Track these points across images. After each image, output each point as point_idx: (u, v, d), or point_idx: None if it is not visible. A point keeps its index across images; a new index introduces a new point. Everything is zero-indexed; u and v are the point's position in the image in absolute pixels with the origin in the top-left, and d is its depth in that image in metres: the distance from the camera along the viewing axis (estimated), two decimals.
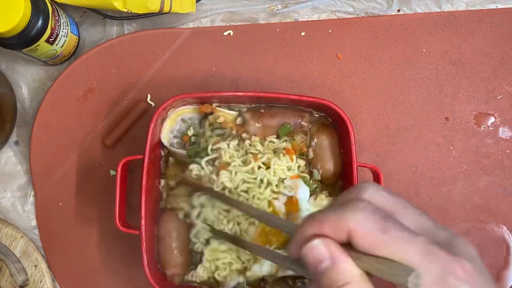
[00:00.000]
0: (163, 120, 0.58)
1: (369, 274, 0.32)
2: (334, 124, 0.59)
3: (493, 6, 0.66)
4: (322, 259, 0.32)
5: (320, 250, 0.32)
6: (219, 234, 0.55)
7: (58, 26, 0.58)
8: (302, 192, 0.55)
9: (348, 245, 0.33)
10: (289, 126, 0.57)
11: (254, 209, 0.52)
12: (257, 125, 0.57)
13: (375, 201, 0.33)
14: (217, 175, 0.55)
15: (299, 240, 0.34)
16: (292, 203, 0.55)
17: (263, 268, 0.54)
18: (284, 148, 0.56)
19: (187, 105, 0.58)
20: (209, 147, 0.56)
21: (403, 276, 0.29)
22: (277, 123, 0.57)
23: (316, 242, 0.33)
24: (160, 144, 0.59)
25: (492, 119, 0.64)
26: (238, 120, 0.57)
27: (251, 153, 0.56)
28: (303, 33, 0.65)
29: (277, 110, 0.58)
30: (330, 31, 0.65)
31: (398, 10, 0.66)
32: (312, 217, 0.35)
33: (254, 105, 0.59)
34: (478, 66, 0.65)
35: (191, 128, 0.58)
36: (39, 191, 0.64)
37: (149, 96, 0.64)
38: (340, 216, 0.32)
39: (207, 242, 0.56)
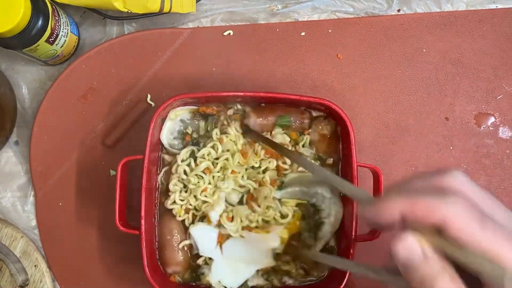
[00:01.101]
0: (163, 120, 0.58)
1: (455, 266, 0.32)
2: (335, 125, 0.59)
3: (493, 6, 0.66)
4: (414, 254, 0.32)
5: (412, 246, 0.32)
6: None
7: (58, 26, 0.58)
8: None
9: (433, 233, 0.32)
10: (289, 119, 0.58)
11: (322, 170, 0.52)
12: (258, 119, 0.57)
13: (467, 193, 0.33)
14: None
15: (379, 214, 0.34)
16: None
17: None
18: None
19: (187, 106, 0.58)
20: (214, 133, 0.57)
21: (497, 276, 0.29)
22: (277, 119, 0.58)
23: (410, 238, 0.32)
24: (160, 144, 0.59)
25: (492, 119, 0.64)
26: (230, 112, 0.58)
27: None
28: (303, 33, 0.65)
29: (278, 106, 0.58)
30: (330, 31, 0.65)
31: (398, 10, 0.66)
32: (401, 192, 0.34)
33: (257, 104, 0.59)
34: (478, 66, 0.65)
35: (189, 127, 0.58)
36: (39, 191, 0.64)
37: (149, 96, 0.64)
38: (437, 203, 0.32)
39: None
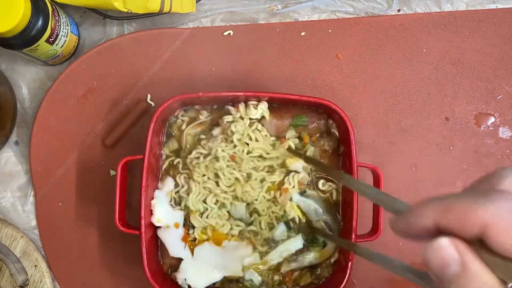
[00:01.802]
0: (164, 121, 0.58)
1: (504, 282, 0.26)
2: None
3: (493, 6, 0.66)
4: (450, 263, 0.27)
5: (449, 252, 0.27)
6: None
7: (58, 26, 0.58)
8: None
9: (476, 244, 0.27)
10: (305, 119, 0.58)
11: (358, 183, 0.49)
12: (273, 120, 0.57)
13: None
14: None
15: (410, 223, 0.29)
16: None
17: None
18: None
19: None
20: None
21: None
22: (292, 119, 0.58)
23: (444, 241, 0.27)
24: (160, 144, 0.59)
25: (492, 119, 0.64)
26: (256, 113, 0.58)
27: None
28: (303, 33, 0.65)
29: (294, 107, 0.59)
30: (330, 31, 0.65)
31: (398, 10, 0.66)
32: (436, 199, 0.29)
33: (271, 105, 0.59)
34: (478, 66, 0.65)
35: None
36: (39, 191, 0.64)
37: (149, 96, 0.64)
38: (474, 204, 0.27)
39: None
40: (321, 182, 0.58)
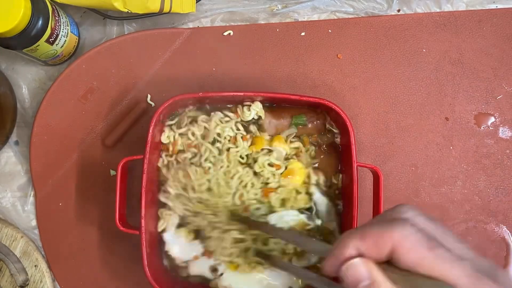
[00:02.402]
0: (163, 121, 0.58)
1: None
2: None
3: (493, 6, 0.66)
4: (362, 279, 0.33)
5: (360, 269, 0.33)
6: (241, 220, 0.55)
7: (58, 26, 0.58)
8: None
9: (385, 264, 0.33)
10: (305, 119, 0.58)
11: (283, 231, 0.53)
12: (273, 120, 0.57)
13: (416, 221, 0.34)
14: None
15: (337, 256, 0.35)
16: None
17: None
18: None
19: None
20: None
21: None
22: (292, 118, 0.58)
23: (356, 261, 0.33)
24: (160, 144, 0.59)
25: (492, 119, 0.64)
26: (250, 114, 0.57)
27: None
28: (303, 33, 0.65)
29: (292, 107, 0.58)
30: (330, 31, 0.65)
31: (398, 10, 0.66)
32: (353, 231, 0.35)
33: (270, 105, 0.59)
34: (478, 66, 0.65)
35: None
36: (39, 191, 0.64)
37: (149, 96, 0.64)
38: (385, 230, 0.33)
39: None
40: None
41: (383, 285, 0.32)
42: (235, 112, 0.58)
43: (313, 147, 0.58)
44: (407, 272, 0.32)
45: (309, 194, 0.57)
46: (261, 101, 0.58)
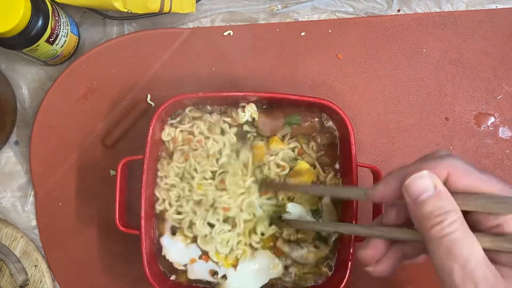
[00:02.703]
0: (163, 121, 0.58)
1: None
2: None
3: (493, 6, 0.66)
4: (427, 189, 0.35)
5: (427, 181, 0.35)
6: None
7: (58, 26, 0.58)
8: None
9: None
10: (298, 118, 0.57)
11: (313, 187, 0.56)
12: (267, 120, 0.57)
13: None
14: None
15: (390, 182, 0.38)
16: None
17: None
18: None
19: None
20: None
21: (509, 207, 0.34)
22: (286, 118, 0.58)
23: (424, 173, 0.35)
24: (160, 144, 0.59)
25: (492, 119, 0.64)
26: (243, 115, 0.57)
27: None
28: (303, 33, 0.65)
29: (286, 107, 0.58)
30: (330, 31, 0.65)
31: (398, 10, 0.66)
32: (402, 168, 0.38)
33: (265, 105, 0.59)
34: (478, 66, 0.65)
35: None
36: (39, 191, 0.64)
37: (149, 96, 0.64)
38: (440, 161, 0.36)
39: None
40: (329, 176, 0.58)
41: (447, 196, 0.35)
42: (230, 116, 0.58)
43: (313, 143, 0.58)
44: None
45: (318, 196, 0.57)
46: (256, 102, 0.58)
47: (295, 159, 0.58)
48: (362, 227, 0.44)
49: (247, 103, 0.57)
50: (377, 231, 0.42)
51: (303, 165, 0.57)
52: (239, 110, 0.57)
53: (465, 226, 0.34)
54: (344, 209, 0.57)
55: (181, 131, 0.58)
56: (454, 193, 0.35)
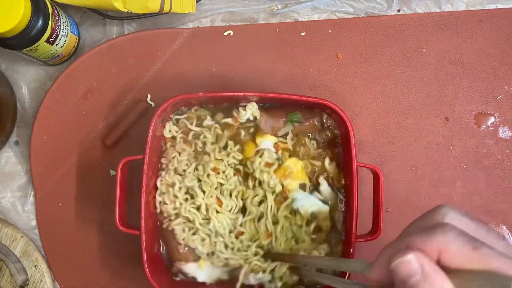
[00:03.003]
0: (163, 120, 0.58)
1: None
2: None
3: (493, 6, 0.66)
4: (413, 273, 0.32)
5: (413, 264, 0.33)
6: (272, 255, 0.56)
7: (58, 26, 0.58)
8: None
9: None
10: (300, 116, 0.57)
11: (316, 258, 0.54)
12: (269, 119, 0.57)
13: (456, 224, 0.34)
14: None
15: (384, 262, 0.35)
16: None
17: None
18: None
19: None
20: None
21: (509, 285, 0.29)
22: (288, 116, 0.58)
23: (410, 256, 0.33)
24: (160, 144, 0.59)
25: (492, 119, 0.64)
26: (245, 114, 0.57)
27: None
28: (303, 33, 0.65)
29: (287, 107, 0.58)
30: (330, 31, 0.65)
31: (398, 10, 0.66)
32: (395, 243, 0.35)
33: (267, 105, 0.59)
34: (478, 66, 0.65)
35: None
36: (39, 191, 0.64)
37: (149, 96, 0.64)
38: (429, 238, 0.33)
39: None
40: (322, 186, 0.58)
41: (439, 278, 0.32)
42: (232, 116, 0.58)
43: (313, 141, 0.58)
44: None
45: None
46: (257, 102, 0.58)
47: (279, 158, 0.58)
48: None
49: (248, 102, 0.57)
50: None
51: (291, 161, 0.57)
52: (240, 108, 0.57)
53: None
54: (344, 209, 0.58)
55: (183, 132, 0.58)
56: (453, 269, 0.33)
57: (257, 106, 0.57)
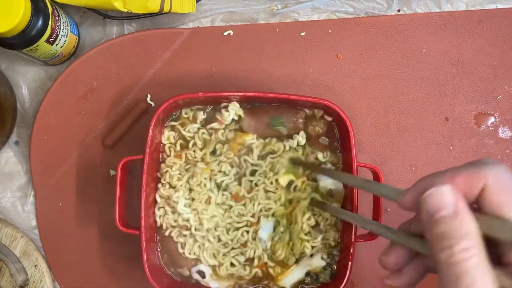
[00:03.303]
0: (163, 120, 0.58)
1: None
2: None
3: (493, 6, 0.66)
4: (444, 206, 0.30)
5: (446, 197, 0.30)
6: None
7: (58, 26, 0.58)
8: None
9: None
10: (282, 121, 0.57)
11: (348, 176, 0.54)
12: (252, 122, 0.57)
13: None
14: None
15: (418, 190, 0.32)
16: None
17: None
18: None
19: None
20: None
21: None
22: (270, 120, 0.58)
23: (446, 187, 0.30)
24: (160, 144, 0.59)
25: (492, 119, 0.64)
26: (230, 116, 0.57)
27: None
28: (303, 33, 0.65)
29: (272, 106, 0.58)
30: (330, 31, 0.65)
31: (398, 10, 0.66)
32: (437, 173, 0.33)
33: (250, 105, 0.59)
34: (478, 66, 0.65)
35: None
36: (39, 191, 0.64)
37: (149, 96, 0.64)
38: (479, 169, 0.31)
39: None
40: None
41: (468, 217, 0.29)
42: (217, 120, 0.58)
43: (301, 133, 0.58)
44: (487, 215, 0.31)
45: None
46: (239, 101, 0.57)
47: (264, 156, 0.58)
48: (388, 230, 0.40)
49: (229, 102, 0.57)
50: (401, 238, 0.37)
51: (275, 144, 0.58)
52: (223, 110, 0.57)
53: (482, 256, 0.29)
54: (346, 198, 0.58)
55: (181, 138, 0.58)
56: (483, 214, 0.30)
57: (239, 105, 0.57)
